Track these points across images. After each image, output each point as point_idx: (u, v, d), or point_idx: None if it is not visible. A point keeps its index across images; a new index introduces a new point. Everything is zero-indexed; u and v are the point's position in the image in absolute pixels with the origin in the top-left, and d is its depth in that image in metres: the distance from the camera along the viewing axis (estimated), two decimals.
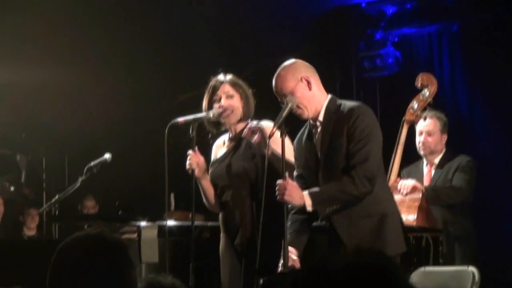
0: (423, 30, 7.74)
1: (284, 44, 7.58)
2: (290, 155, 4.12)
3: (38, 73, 8.10)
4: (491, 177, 6.71)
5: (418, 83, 5.78)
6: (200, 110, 4.59)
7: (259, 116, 4.52)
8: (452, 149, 5.86)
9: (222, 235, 4.61)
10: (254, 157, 4.44)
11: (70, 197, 6.14)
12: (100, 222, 5.90)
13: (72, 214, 8.23)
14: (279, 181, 3.89)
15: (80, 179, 5.82)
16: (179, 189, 6.11)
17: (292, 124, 4.10)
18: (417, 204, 5.29)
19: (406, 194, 5.35)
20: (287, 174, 3.91)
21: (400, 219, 4.12)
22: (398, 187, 5.38)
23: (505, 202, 6.88)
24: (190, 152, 4.50)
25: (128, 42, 7.94)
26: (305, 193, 3.88)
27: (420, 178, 5.68)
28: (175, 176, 4.62)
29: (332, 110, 4.00)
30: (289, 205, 4.01)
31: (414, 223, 5.20)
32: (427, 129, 5.74)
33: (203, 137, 4.71)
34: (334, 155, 3.93)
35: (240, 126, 4.57)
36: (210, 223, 5.50)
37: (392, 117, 6.12)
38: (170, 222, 5.34)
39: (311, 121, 4.07)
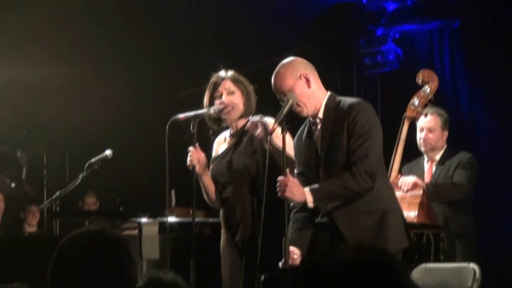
0: (424, 26, 7.73)
1: (284, 42, 7.58)
2: (291, 152, 4.13)
3: (39, 70, 8.10)
4: (492, 174, 6.70)
5: (419, 80, 5.78)
6: (200, 107, 4.59)
7: (259, 114, 4.51)
8: (453, 145, 5.86)
9: (223, 231, 4.61)
10: (255, 154, 4.44)
11: (71, 194, 6.14)
12: (101, 218, 5.89)
13: (73, 211, 8.23)
14: (280, 178, 3.89)
15: (81, 176, 5.82)
16: (180, 186, 6.12)
17: (292, 121, 4.10)
18: (418, 200, 5.29)
19: (407, 191, 5.35)
20: (288, 170, 3.91)
21: (402, 215, 4.12)
22: (399, 183, 5.38)
23: (506, 198, 6.87)
24: (191, 148, 4.50)
25: (129, 40, 7.95)
26: (306, 189, 3.88)
27: (421, 175, 5.68)
28: (176, 173, 4.63)
29: (331, 107, 4.00)
30: (291, 204, 4.01)
31: (415, 220, 5.20)
32: (428, 125, 5.73)
33: (204, 134, 4.71)
34: (335, 152, 3.93)
35: (241, 122, 4.57)
36: (211, 220, 5.50)
37: (393, 113, 6.11)
38: (171, 219, 5.34)
39: (310, 119, 4.07)
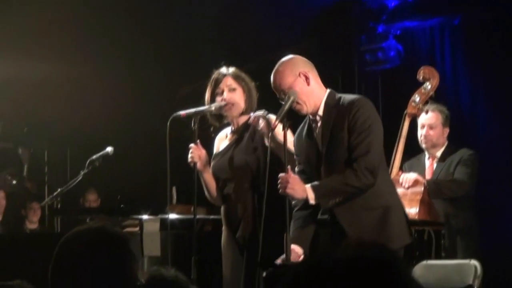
0: (425, 23, 7.72)
1: (285, 39, 7.57)
2: (292, 149, 4.12)
3: (40, 68, 8.11)
4: (493, 170, 6.70)
5: (420, 76, 5.77)
6: (201, 105, 4.59)
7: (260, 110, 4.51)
8: (454, 142, 5.85)
9: (224, 228, 4.62)
10: (256, 150, 4.44)
11: (72, 191, 6.15)
12: (102, 215, 5.90)
13: (74, 208, 8.22)
14: (281, 174, 3.88)
15: (82, 173, 5.82)
16: (181, 183, 6.11)
17: (294, 118, 4.10)
18: (419, 197, 5.29)
19: (408, 188, 5.35)
20: (289, 167, 3.90)
21: (404, 211, 4.12)
22: (400, 180, 5.38)
23: (507, 195, 6.87)
24: (192, 145, 4.49)
25: (130, 38, 7.95)
26: (308, 186, 3.87)
27: (422, 172, 5.67)
28: (177, 170, 4.62)
29: (331, 104, 4.00)
30: (293, 202, 4.01)
31: (416, 217, 5.20)
32: (429, 122, 5.73)
33: (205, 130, 4.71)
34: (335, 149, 3.93)
35: (243, 119, 4.57)
36: (212, 216, 5.50)
37: (394, 110, 6.11)
38: (172, 216, 5.34)
39: (310, 116, 4.07)
